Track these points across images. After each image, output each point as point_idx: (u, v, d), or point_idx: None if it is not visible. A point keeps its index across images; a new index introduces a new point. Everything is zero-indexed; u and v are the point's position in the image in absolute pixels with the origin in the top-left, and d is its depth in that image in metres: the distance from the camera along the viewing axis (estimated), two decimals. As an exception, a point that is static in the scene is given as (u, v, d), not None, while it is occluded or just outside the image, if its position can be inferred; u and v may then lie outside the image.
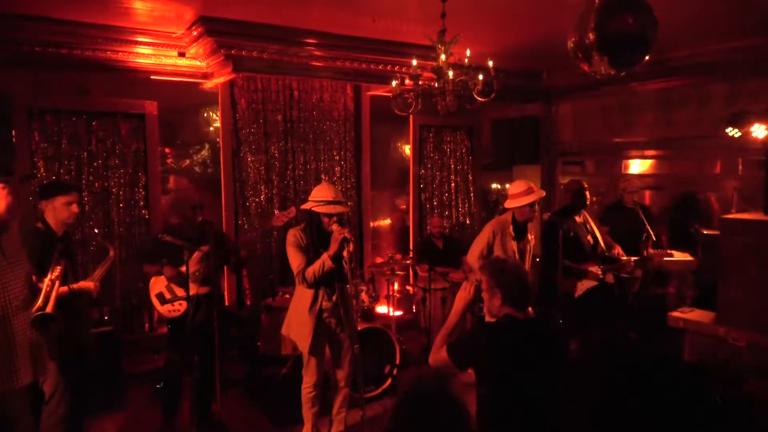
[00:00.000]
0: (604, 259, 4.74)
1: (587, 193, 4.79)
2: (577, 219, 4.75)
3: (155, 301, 3.98)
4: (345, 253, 3.44)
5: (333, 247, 3.43)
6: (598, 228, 4.85)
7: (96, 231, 4.80)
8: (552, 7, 3.96)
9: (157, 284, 4.04)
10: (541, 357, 2.34)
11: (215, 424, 4.11)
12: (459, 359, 2.42)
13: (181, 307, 3.95)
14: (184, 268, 3.82)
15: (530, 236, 4.40)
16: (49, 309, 2.63)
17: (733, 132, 4.68)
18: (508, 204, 4.22)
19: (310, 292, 3.59)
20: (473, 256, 4.29)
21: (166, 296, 3.98)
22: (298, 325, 3.65)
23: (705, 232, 4.90)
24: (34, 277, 2.75)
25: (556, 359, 2.45)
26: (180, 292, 3.99)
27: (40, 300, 2.63)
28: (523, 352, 2.31)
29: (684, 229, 5.39)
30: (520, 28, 4.73)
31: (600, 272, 4.62)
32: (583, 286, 4.66)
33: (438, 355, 2.48)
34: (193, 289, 3.81)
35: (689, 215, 5.58)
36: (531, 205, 4.11)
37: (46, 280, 2.75)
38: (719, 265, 3.87)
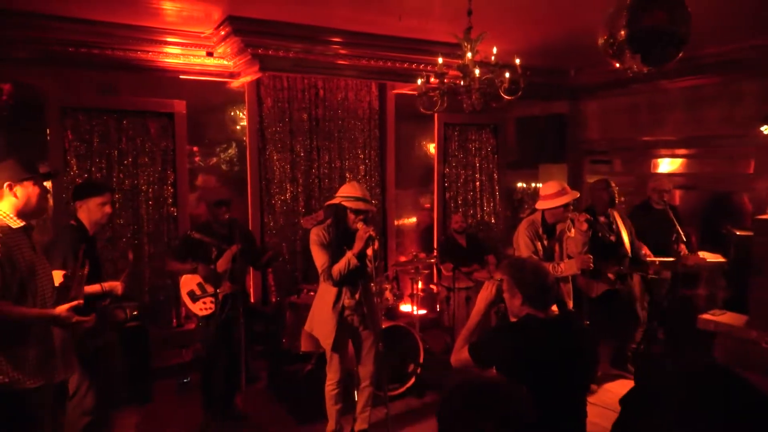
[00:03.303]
0: (632, 260, 4.66)
1: (614, 192, 4.68)
2: (601, 219, 4.65)
3: (187, 299, 4.02)
4: (369, 252, 3.45)
5: (358, 245, 3.44)
6: (628, 229, 4.76)
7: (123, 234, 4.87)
8: (580, 3, 3.91)
9: (189, 282, 4.08)
10: (563, 357, 2.30)
11: (239, 416, 4.17)
12: (480, 359, 2.41)
13: (213, 304, 4.00)
14: (213, 266, 3.87)
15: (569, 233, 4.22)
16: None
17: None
18: (540, 205, 4.04)
19: (333, 290, 3.61)
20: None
21: (197, 293, 4.03)
22: (320, 322, 3.67)
23: (738, 233, 4.78)
24: (63, 273, 2.80)
25: (581, 359, 2.41)
26: (211, 289, 4.04)
27: (72, 294, 2.66)
28: (545, 352, 2.28)
29: (715, 229, 5.28)
30: (547, 24, 4.67)
31: (612, 276, 4.55)
32: (600, 287, 4.59)
33: (459, 355, 2.46)
34: (223, 287, 3.86)
35: (721, 215, 5.46)
36: (565, 206, 3.92)
37: (77, 276, 2.78)
38: (751, 267, 3.78)
